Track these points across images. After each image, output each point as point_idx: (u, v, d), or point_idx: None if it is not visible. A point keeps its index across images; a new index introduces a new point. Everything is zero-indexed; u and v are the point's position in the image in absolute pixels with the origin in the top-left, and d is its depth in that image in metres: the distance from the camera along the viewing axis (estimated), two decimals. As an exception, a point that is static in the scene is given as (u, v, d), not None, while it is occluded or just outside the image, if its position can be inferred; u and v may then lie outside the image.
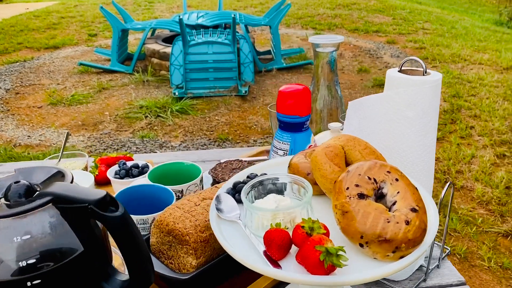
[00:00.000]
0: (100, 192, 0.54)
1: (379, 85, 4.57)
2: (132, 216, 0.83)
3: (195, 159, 1.34)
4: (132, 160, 1.22)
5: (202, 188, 1.01)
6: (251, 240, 0.62)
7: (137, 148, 3.39)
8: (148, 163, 1.13)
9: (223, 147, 3.42)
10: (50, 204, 0.54)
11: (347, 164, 0.67)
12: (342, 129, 1.01)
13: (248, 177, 0.76)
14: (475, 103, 4.05)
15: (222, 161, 1.21)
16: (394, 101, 0.75)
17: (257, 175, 0.75)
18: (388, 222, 0.54)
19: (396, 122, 0.75)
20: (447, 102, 4.10)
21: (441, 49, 5.79)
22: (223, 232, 0.63)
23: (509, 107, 3.95)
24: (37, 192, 0.55)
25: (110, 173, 1.11)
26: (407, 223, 0.55)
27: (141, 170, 1.12)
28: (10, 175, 0.60)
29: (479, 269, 2.12)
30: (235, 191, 0.71)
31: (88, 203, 0.53)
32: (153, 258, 0.78)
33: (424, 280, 0.81)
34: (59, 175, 0.60)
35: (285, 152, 0.90)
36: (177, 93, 4.23)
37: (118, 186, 1.09)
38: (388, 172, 0.60)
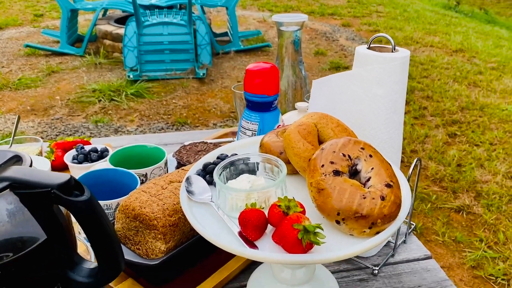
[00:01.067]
0: (64, 176, 0.50)
1: (336, 68, 4.63)
2: (94, 201, 0.79)
3: (157, 142, 1.29)
4: (90, 144, 1.17)
5: (167, 172, 0.98)
6: (224, 222, 0.60)
7: (91, 133, 3.27)
8: (107, 147, 1.09)
9: (182, 131, 3.36)
10: (8, 190, 0.49)
11: (320, 142, 0.66)
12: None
13: (218, 158, 0.73)
14: (428, 84, 4.18)
15: (186, 143, 1.18)
16: (363, 79, 0.75)
17: (227, 155, 0.73)
18: (364, 198, 0.54)
19: (365, 100, 0.75)
20: (401, 83, 4.21)
21: (394, 31, 5.92)
22: (195, 215, 0.61)
23: (459, 88, 4.10)
24: (-8, 178, 0.51)
25: (68, 158, 1.06)
26: (383, 198, 0.54)
27: (101, 154, 1.07)
28: (-40, 160, 0.55)
29: (434, 243, 2.20)
30: (205, 172, 0.69)
31: (51, 188, 0.49)
32: (119, 245, 0.75)
33: (392, 256, 0.82)
34: (15, 159, 0.55)
35: (254, 132, 0.89)
36: (131, 76, 4.10)
37: (76, 172, 1.04)
38: (362, 148, 0.59)
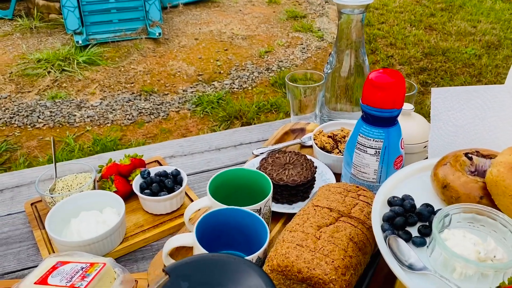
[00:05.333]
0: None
1: (294, 18, 4.48)
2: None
3: (206, 147, 1.15)
4: (144, 162, 1.01)
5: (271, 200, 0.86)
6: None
7: (51, 112, 2.94)
8: (177, 169, 0.94)
9: (150, 101, 3.12)
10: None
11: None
12: (413, 110, 0.92)
13: (390, 202, 0.63)
14: (388, 30, 4.18)
15: (255, 152, 1.05)
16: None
17: (402, 199, 0.63)
18: None
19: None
20: (362, 31, 4.18)
21: (341, -26, 5.80)
22: (423, 291, 0.52)
23: (418, 33, 4.15)
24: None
25: (136, 187, 0.90)
26: None
27: (174, 179, 0.92)
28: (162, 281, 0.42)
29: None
30: (393, 226, 0.59)
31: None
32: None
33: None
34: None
35: (377, 150, 0.79)
36: (80, 41, 3.70)
37: (153, 205, 0.89)
38: None
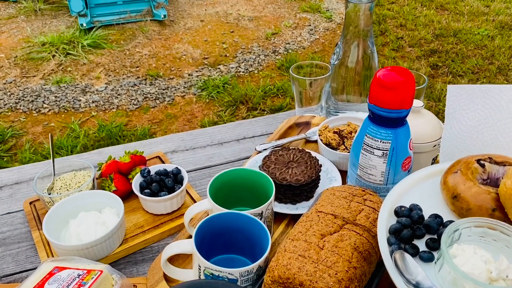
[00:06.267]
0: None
1: (302, -3, 4.38)
2: (233, 270, 0.65)
3: (208, 142, 1.13)
4: (144, 158, 0.98)
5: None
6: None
7: (56, 97, 2.92)
8: (178, 167, 0.91)
9: (155, 85, 3.09)
10: None
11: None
12: (423, 107, 0.88)
13: (397, 212, 0.60)
14: (398, 11, 4.07)
15: (259, 149, 1.02)
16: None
17: (409, 209, 0.60)
18: None
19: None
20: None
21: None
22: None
23: (429, 13, 4.04)
24: None
25: (136, 187, 0.88)
26: None
27: (175, 177, 0.90)
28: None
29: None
30: (400, 239, 0.56)
31: None
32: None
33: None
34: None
35: (385, 151, 0.75)
36: (85, 24, 3.66)
37: (153, 205, 0.87)
38: None
